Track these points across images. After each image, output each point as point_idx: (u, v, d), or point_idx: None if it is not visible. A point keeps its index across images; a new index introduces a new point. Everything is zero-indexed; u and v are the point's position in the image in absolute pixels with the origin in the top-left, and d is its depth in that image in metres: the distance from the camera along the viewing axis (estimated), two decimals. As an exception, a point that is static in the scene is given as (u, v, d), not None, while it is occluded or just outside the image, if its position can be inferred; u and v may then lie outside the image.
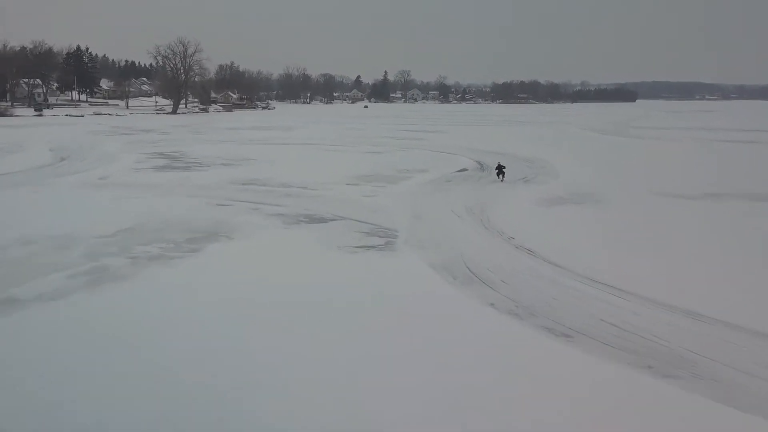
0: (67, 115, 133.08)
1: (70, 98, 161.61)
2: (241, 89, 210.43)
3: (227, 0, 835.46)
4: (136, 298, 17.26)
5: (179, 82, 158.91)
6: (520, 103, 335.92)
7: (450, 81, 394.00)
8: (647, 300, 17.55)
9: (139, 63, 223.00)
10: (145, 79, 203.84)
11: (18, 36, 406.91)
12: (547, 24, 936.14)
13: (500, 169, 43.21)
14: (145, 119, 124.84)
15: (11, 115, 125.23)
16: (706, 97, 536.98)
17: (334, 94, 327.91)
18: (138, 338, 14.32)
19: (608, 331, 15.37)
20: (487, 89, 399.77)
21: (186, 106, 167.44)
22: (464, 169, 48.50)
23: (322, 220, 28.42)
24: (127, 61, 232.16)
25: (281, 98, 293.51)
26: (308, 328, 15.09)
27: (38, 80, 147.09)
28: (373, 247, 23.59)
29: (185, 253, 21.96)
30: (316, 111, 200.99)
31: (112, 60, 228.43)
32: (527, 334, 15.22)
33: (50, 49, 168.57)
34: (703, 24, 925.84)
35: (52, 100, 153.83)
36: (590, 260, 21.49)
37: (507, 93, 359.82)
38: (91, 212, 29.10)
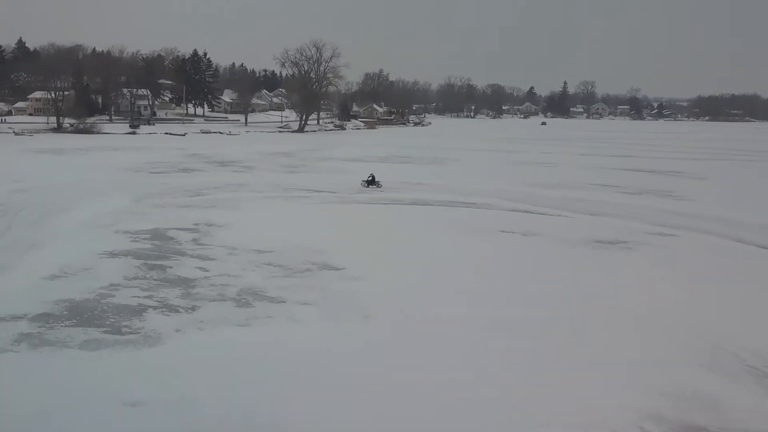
0: (167, 133, 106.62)
1: (185, 112, 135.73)
2: (389, 102, 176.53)
3: (386, 5, 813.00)
4: None
5: (309, 93, 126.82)
6: (733, 120, 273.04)
7: (639, 94, 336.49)
8: None
9: (280, 74, 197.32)
10: (282, 90, 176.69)
11: (150, 44, 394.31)
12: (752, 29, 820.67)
13: (372, 180, 41.74)
14: (252, 141, 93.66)
15: (98, 133, 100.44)
16: None
17: (503, 107, 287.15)
18: None
19: None
20: (685, 104, 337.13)
21: (318, 122, 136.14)
22: None
23: None
24: (266, 71, 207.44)
25: (440, 111, 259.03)
26: None
27: (144, 91, 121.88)
28: None
29: None
30: (481, 128, 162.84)
31: (252, 70, 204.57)
32: None
33: (177, 57, 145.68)
34: None
35: (162, 114, 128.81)
36: None
37: (714, 108, 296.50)
38: None
